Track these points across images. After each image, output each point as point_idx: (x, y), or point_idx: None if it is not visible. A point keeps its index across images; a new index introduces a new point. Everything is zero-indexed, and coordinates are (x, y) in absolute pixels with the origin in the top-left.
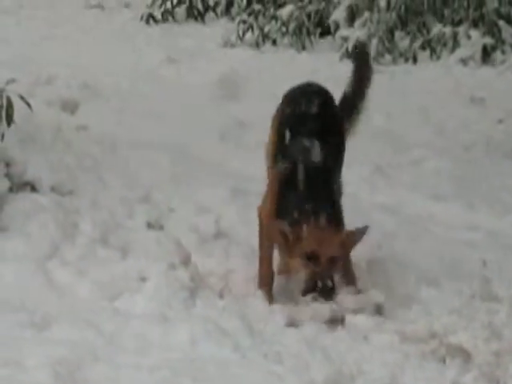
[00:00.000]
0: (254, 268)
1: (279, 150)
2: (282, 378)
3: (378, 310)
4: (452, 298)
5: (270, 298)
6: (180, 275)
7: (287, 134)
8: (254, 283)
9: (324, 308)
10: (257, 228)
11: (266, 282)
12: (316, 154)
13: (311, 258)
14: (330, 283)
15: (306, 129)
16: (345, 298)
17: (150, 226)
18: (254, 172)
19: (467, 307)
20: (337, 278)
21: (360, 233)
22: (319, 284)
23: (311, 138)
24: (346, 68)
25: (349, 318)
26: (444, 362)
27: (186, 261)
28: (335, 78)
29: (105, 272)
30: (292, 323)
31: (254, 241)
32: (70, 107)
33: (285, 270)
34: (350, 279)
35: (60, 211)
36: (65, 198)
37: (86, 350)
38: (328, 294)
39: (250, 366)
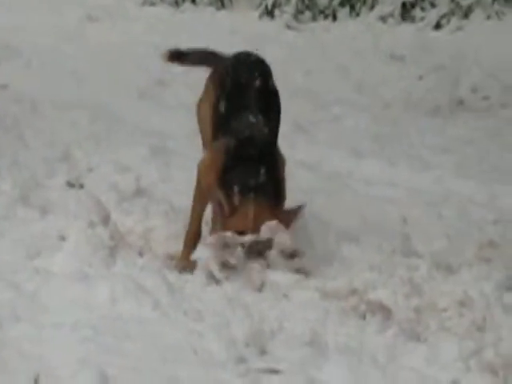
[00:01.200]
0: (175, 226)
1: (220, 123)
2: (203, 336)
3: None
4: (372, 254)
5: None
6: (100, 233)
7: (229, 107)
8: (175, 241)
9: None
10: (176, 187)
11: (191, 242)
12: (261, 128)
13: (241, 234)
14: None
15: (249, 103)
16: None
17: (69, 184)
18: (174, 130)
19: (387, 263)
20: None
21: (295, 213)
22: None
23: (255, 113)
24: (265, 26)
25: (270, 275)
26: (364, 318)
27: (106, 219)
28: (254, 36)
29: (24, 231)
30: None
31: (174, 199)
32: None
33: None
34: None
35: None
36: None
37: (6, 309)
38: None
39: (170, 323)
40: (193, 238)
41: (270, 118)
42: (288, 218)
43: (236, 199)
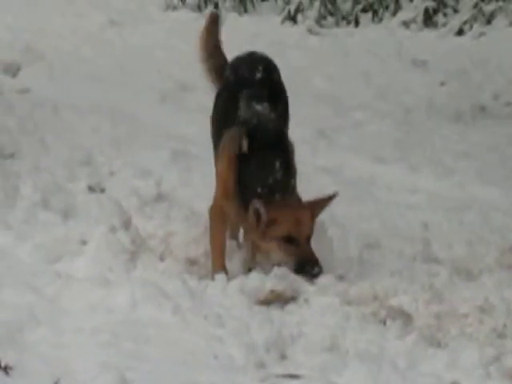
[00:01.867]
0: (195, 230)
1: (229, 117)
2: (223, 341)
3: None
4: (393, 260)
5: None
6: (121, 238)
7: (236, 101)
8: (195, 246)
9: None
10: (197, 191)
11: (220, 266)
12: (270, 117)
13: (290, 240)
14: (316, 261)
15: (255, 93)
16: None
17: (91, 189)
18: (196, 135)
19: (408, 269)
20: None
21: (325, 202)
22: (306, 264)
23: (262, 101)
24: (288, 31)
25: (289, 281)
26: (385, 324)
27: (127, 224)
28: (277, 41)
29: (46, 235)
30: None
31: (195, 203)
32: (12, 70)
33: (255, 254)
34: None
35: (1, 174)
36: (6, 161)
37: (27, 313)
38: (317, 272)
39: (191, 328)
40: (219, 265)
41: (277, 107)
42: (318, 208)
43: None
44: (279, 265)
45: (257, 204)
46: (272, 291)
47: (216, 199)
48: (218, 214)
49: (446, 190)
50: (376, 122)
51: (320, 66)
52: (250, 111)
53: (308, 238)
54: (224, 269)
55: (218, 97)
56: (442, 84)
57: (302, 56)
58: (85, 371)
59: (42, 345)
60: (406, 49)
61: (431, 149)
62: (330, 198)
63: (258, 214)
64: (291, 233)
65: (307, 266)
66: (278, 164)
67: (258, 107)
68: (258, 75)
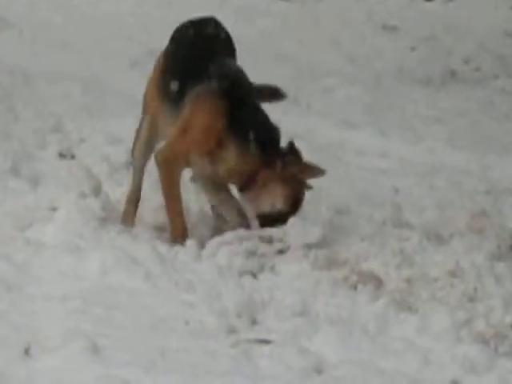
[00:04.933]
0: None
1: (193, 74)
2: (194, 307)
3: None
4: (363, 225)
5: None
6: (91, 204)
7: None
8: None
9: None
10: None
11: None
12: (240, 70)
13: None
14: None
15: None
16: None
17: (61, 155)
18: None
19: (379, 234)
20: None
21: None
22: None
23: (227, 57)
24: None
25: (259, 247)
26: (355, 288)
27: (97, 190)
28: (246, 6)
29: (16, 202)
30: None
31: None
32: None
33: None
34: None
35: None
36: None
37: None
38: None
39: (161, 294)
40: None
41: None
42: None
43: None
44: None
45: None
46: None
47: (179, 147)
48: (177, 163)
49: (417, 155)
50: (346, 87)
51: (289, 32)
52: (221, 66)
53: None
54: (186, 232)
55: (171, 57)
56: (413, 49)
57: (271, 22)
58: (55, 338)
59: (12, 312)
60: (375, 14)
61: (401, 114)
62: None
63: (296, 153)
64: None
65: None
66: (263, 116)
67: (228, 62)
68: (211, 33)
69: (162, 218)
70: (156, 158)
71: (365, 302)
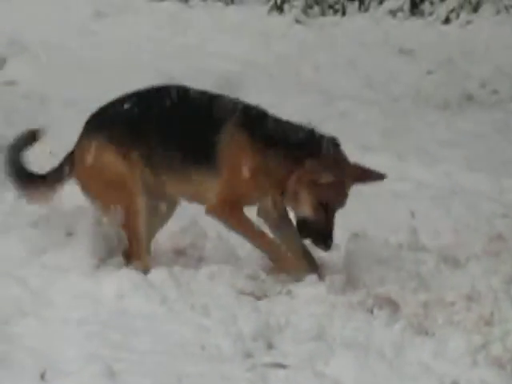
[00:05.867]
0: (182, 221)
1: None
2: (210, 330)
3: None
4: (379, 248)
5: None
6: (108, 229)
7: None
8: (182, 236)
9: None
10: None
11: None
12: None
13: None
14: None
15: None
16: None
17: None
18: None
19: (395, 258)
20: None
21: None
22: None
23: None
24: (274, 21)
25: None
26: (372, 312)
27: None
28: (263, 31)
29: (33, 227)
30: None
31: None
32: None
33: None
34: None
35: None
36: None
37: (12, 304)
38: (329, 244)
39: (178, 319)
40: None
41: None
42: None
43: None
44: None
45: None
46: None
47: (231, 193)
48: (237, 207)
49: (433, 178)
50: (363, 110)
51: (307, 56)
52: (232, 106)
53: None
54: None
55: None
56: (429, 73)
57: (288, 46)
58: (72, 362)
59: (29, 336)
60: (392, 38)
61: (418, 137)
62: (378, 176)
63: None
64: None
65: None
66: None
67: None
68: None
69: (179, 242)
70: (216, 212)
71: (381, 326)
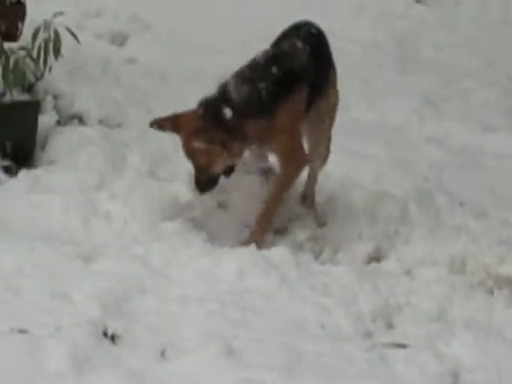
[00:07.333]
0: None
1: None
2: (330, 310)
3: None
4: (501, 229)
5: None
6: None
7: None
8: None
9: None
10: None
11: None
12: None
13: None
14: None
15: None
16: None
17: None
18: None
19: None
20: None
21: None
22: None
23: None
24: (394, 0)
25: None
26: (492, 293)
27: None
28: (384, 11)
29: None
30: None
31: None
32: (119, 40)
33: None
34: None
35: (108, 144)
36: (113, 130)
37: (133, 282)
38: None
39: (297, 298)
40: None
41: None
42: None
43: None
44: None
45: None
46: None
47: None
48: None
49: None
50: (483, 90)
51: (426, 35)
52: None
53: None
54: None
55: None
56: None
57: (408, 25)
58: (191, 341)
59: (149, 314)
60: None
61: None
62: None
63: None
64: None
65: None
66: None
67: None
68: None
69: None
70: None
71: (501, 307)
